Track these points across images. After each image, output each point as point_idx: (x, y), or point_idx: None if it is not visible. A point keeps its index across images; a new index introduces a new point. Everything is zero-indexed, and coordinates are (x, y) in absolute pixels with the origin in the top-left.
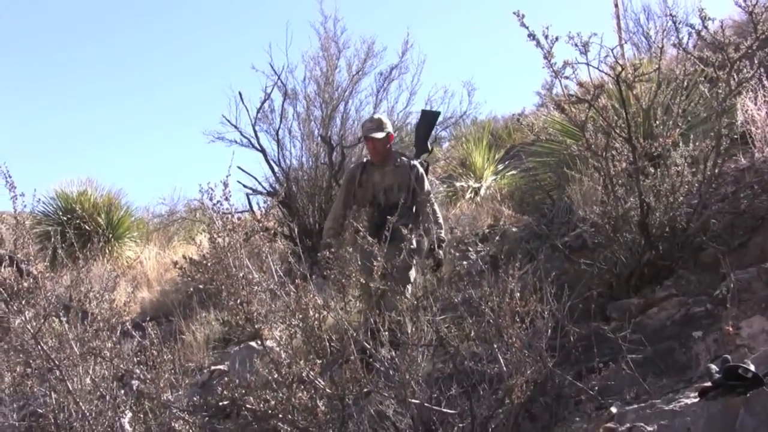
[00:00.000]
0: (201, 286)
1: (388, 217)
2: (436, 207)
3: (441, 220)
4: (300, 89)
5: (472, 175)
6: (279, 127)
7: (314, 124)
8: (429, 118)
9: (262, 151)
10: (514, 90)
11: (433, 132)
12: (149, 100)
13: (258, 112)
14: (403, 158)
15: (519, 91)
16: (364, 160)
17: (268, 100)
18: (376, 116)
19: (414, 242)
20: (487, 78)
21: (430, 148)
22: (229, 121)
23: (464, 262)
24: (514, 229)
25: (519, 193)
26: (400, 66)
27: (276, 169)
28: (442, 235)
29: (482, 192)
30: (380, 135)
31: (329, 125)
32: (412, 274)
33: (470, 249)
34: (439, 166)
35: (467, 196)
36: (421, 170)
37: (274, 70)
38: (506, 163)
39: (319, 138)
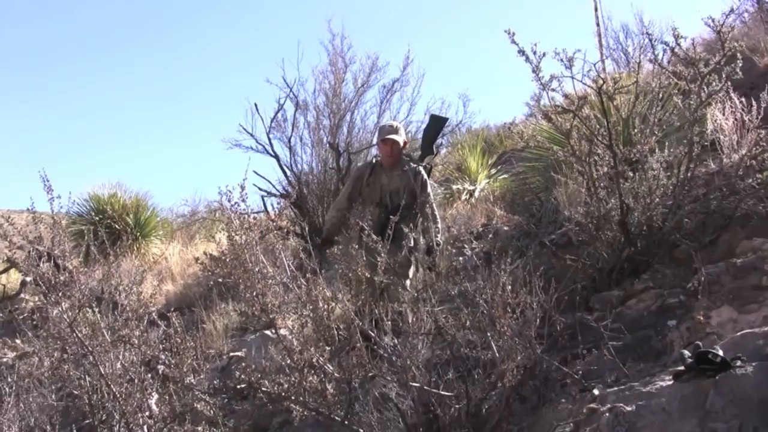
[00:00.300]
0: (220, 280)
1: (391, 216)
2: (435, 210)
3: (440, 223)
4: (310, 101)
5: (467, 179)
6: (291, 135)
7: (323, 132)
8: (438, 123)
9: (276, 157)
10: (505, 101)
11: (439, 136)
12: (173, 111)
13: (272, 121)
14: (411, 163)
15: (510, 102)
16: (374, 161)
17: (281, 111)
18: (395, 123)
19: (412, 241)
20: (480, 89)
21: (435, 151)
22: (245, 129)
23: (460, 258)
24: (505, 228)
25: (510, 195)
26: (402, 79)
27: (288, 173)
28: (439, 238)
29: (476, 194)
30: (399, 139)
31: (337, 133)
32: (411, 269)
33: (465, 246)
34: (437, 170)
35: (463, 197)
36: (425, 176)
37: (286, 83)
38: (498, 167)
39: (328, 145)
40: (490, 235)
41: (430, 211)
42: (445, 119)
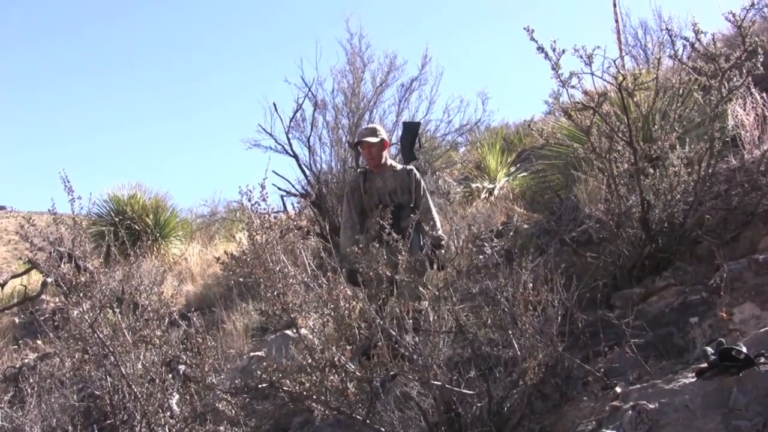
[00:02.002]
0: (241, 280)
1: (411, 215)
2: (431, 205)
3: (437, 218)
4: (329, 100)
5: (487, 177)
6: (310, 135)
7: (342, 131)
8: (411, 129)
9: (295, 156)
10: (524, 98)
11: (416, 141)
12: (192, 111)
13: (291, 121)
14: (399, 165)
15: (528, 100)
16: (362, 169)
17: (300, 110)
18: (371, 125)
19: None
20: (499, 87)
21: (416, 156)
22: (264, 129)
23: (480, 256)
24: (525, 226)
25: (530, 193)
26: (420, 78)
27: (308, 173)
28: (440, 233)
29: (496, 192)
30: (374, 140)
31: (356, 132)
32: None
33: (486, 244)
34: (456, 168)
35: (482, 195)
36: (418, 174)
37: (305, 82)
38: (518, 165)
39: (347, 144)
40: (511, 233)
41: (426, 208)
42: (418, 124)
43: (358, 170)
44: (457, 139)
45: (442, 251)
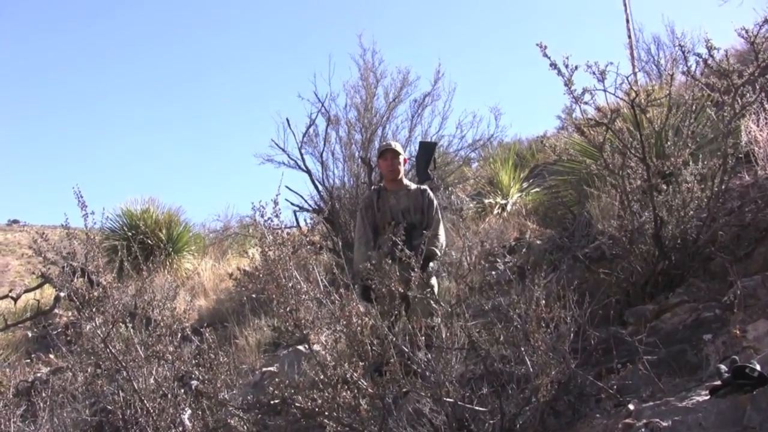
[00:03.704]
0: (253, 295)
1: (424, 231)
2: (441, 224)
3: (442, 238)
4: (342, 115)
5: (500, 193)
6: (323, 150)
7: (355, 147)
8: (427, 149)
9: (308, 171)
10: (536, 114)
11: (432, 160)
12: (206, 127)
13: (304, 136)
14: (413, 184)
15: (541, 115)
16: (376, 187)
17: (312, 126)
18: (391, 141)
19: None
20: (512, 103)
21: (431, 176)
22: (277, 144)
23: (493, 272)
24: (538, 242)
25: (542, 209)
26: (433, 93)
27: (320, 188)
28: (438, 245)
29: (509, 208)
30: (398, 148)
31: (369, 148)
32: (434, 282)
33: (498, 260)
34: (469, 184)
35: (495, 211)
36: (432, 194)
37: (318, 98)
38: (530, 181)
39: (360, 160)
40: (523, 249)
41: (435, 227)
42: (434, 144)
43: (372, 188)
44: (469, 154)
45: (432, 265)
